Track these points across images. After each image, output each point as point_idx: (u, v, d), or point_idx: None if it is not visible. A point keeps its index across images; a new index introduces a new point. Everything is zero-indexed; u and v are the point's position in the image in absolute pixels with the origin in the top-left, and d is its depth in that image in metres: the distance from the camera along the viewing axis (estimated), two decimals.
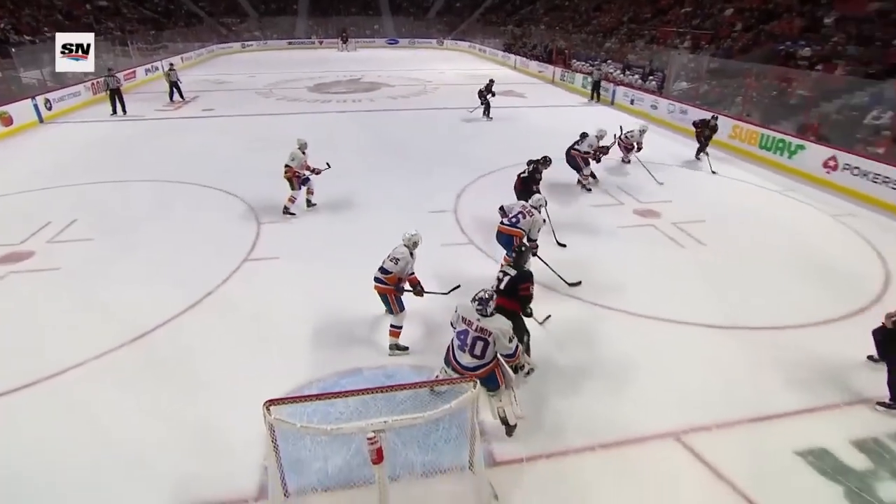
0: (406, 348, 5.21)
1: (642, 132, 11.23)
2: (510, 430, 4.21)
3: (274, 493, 3.45)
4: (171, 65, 21.69)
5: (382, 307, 5.31)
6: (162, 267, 6.89)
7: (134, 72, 21.82)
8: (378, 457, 3.01)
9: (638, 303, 6.08)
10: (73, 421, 4.40)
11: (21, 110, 14.11)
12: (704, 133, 11.33)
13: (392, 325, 5.19)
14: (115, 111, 15.84)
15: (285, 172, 8.21)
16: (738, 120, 12.80)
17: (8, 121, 13.51)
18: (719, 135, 13.01)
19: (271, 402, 3.14)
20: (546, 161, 7.73)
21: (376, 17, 45.24)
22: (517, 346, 4.02)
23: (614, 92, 18.21)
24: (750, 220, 8.61)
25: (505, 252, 6.12)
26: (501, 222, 6.16)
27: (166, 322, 5.68)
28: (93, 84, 17.75)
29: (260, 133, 14.04)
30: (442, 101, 18.64)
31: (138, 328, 5.53)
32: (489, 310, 3.95)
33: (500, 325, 3.96)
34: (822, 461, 4.06)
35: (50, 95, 15.48)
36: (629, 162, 11.40)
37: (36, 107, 14.73)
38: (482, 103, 15.50)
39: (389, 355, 5.17)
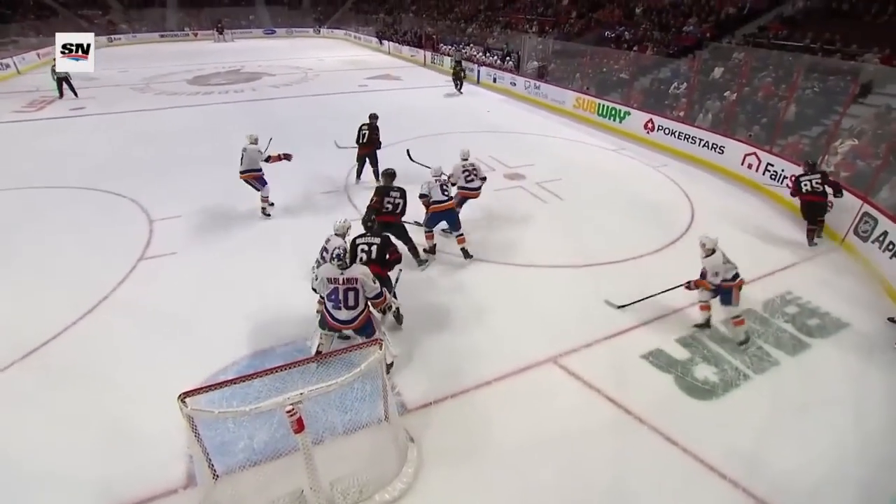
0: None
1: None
2: (388, 368, 4.19)
3: (203, 479, 3.22)
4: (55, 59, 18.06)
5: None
6: (45, 276, 5.90)
7: None
8: (299, 426, 2.90)
9: (511, 253, 6.38)
10: None
11: None
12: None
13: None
14: None
15: (242, 175, 7.00)
16: (579, 93, 13.65)
17: None
18: (565, 104, 13.83)
19: (186, 395, 2.88)
20: (373, 117, 8.51)
21: (250, 8, 41.05)
22: (382, 288, 4.13)
23: (479, 72, 18.48)
24: (594, 175, 9.33)
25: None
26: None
27: (60, 333, 4.90)
28: None
29: (140, 129, 12.32)
30: (323, 87, 17.64)
31: (28, 343, 4.73)
32: (347, 262, 4.04)
33: (361, 270, 4.05)
34: (658, 358, 4.66)
35: None
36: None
37: None
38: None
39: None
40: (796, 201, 6.96)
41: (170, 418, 3.35)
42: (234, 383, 3.08)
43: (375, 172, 8.25)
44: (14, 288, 5.67)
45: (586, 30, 17.96)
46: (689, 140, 10.24)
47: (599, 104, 12.74)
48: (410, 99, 15.63)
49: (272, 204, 7.42)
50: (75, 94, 15.70)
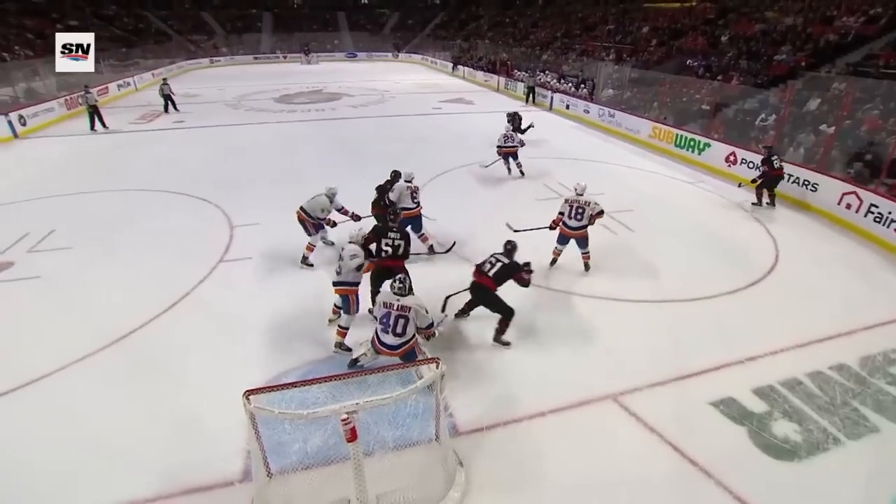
0: (349, 349, 4.85)
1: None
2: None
3: (258, 474, 3.38)
4: (165, 79, 20.22)
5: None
6: (139, 271, 6.52)
7: (107, 87, 20.48)
8: (352, 435, 2.97)
9: (578, 284, 6.22)
10: (59, 421, 4.15)
11: None
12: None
13: (340, 326, 4.90)
14: (93, 127, 14.54)
15: (299, 215, 6.42)
16: (656, 122, 13.23)
17: None
18: (640, 133, 13.46)
19: (250, 392, 3.07)
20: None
21: (335, 33, 44.10)
22: (432, 320, 4.26)
23: (552, 98, 18.48)
24: (669, 208, 8.94)
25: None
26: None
27: (145, 324, 5.39)
28: (66, 100, 16.55)
29: (230, 142, 13.47)
30: (398, 109, 18.40)
31: (118, 330, 5.24)
32: (406, 291, 4.17)
33: (415, 300, 4.18)
34: (730, 408, 4.30)
35: (24, 111, 14.30)
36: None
37: (10, 123, 13.57)
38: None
39: (334, 351, 4.86)
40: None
41: (233, 415, 3.60)
42: (295, 386, 3.23)
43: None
44: (112, 280, 6.31)
45: (666, 58, 17.49)
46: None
47: (677, 134, 12.25)
48: (481, 123, 15.90)
49: (332, 243, 7.11)
50: (176, 109, 17.59)
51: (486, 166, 10.16)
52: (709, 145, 11.33)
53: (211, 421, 4.09)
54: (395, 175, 6.94)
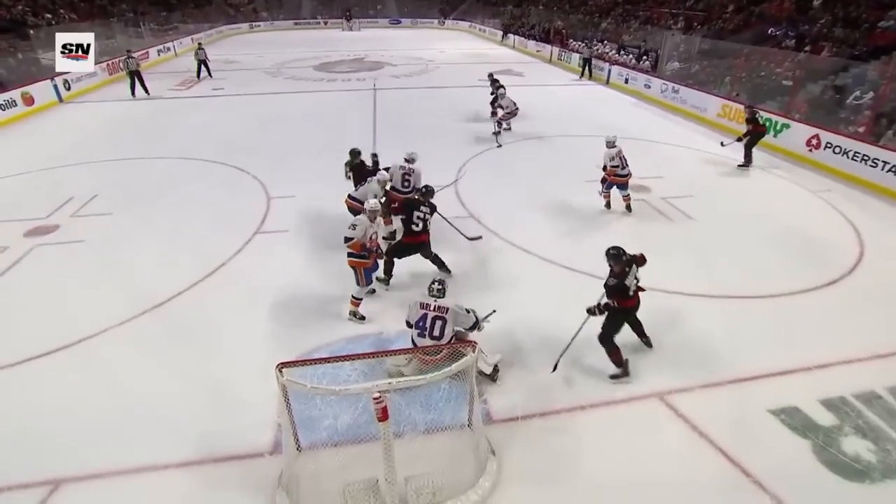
0: (363, 317, 5.23)
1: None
2: (494, 375, 4.37)
3: (288, 447, 3.54)
4: (200, 44, 20.86)
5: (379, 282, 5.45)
6: (178, 239, 6.89)
7: (147, 52, 21.40)
8: (383, 415, 3.05)
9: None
10: (98, 382, 4.49)
11: (41, 91, 13.92)
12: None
13: (353, 296, 5.22)
14: (134, 93, 15.24)
15: (349, 203, 6.30)
16: (726, 99, 12.58)
17: (30, 101, 13.34)
18: (708, 112, 12.88)
19: (283, 365, 3.21)
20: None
21: None
22: (475, 318, 4.29)
23: (609, 71, 17.86)
24: (735, 195, 8.56)
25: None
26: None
27: (183, 291, 5.72)
28: (108, 65, 17.43)
29: (268, 110, 13.87)
30: (443, 80, 18.31)
31: (155, 297, 5.58)
32: (444, 292, 4.25)
33: (453, 302, 4.25)
34: (793, 418, 4.14)
35: (68, 76, 15.14)
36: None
37: (55, 87, 14.52)
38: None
39: (347, 320, 5.22)
40: None
41: (265, 387, 3.82)
42: (328, 362, 3.37)
43: None
44: (150, 247, 6.69)
45: (745, 26, 16.47)
46: (868, 162, 8.91)
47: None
48: (532, 97, 15.61)
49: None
50: (210, 74, 18.22)
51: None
52: (787, 126, 10.69)
53: (243, 391, 4.31)
54: (374, 159, 7.19)
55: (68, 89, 15.04)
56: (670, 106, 14.35)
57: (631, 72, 16.86)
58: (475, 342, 3.50)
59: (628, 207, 7.74)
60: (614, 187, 7.58)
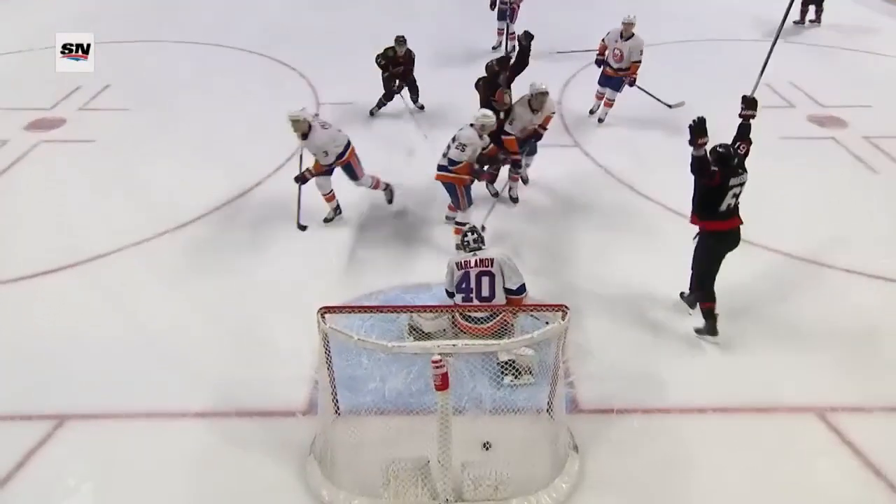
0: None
1: None
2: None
3: (324, 409, 3.88)
4: None
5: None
6: (205, 147, 7.46)
7: None
8: (443, 383, 3.20)
9: (800, 242, 5.86)
10: (110, 311, 5.11)
11: None
12: None
13: (456, 223, 5.48)
14: None
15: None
16: None
17: None
18: None
19: (326, 310, 3.48)
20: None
21: None
22: (523, 281, 4.35)
23: None
24: None
25: None
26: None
27: (209, 213, 6.28)
28: None
29: None
30: None
31: (177, 216, 6.16)
32: (483, 241, 4.45)
33: (498, 250, 4.39)
34: None
35: None
36: None
37: None
38: None
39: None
40: None
41: (302, 334, 4.20)
42: (381, 311, 3.66)
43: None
44: (172, 154, 7.32)
45: None
46: None
47: None
48: None
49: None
50: None
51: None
52: None
53: (277, 337, 4.77)
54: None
55: None
56: None
57: None
58: (566, 306, 3.59)
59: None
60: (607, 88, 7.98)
